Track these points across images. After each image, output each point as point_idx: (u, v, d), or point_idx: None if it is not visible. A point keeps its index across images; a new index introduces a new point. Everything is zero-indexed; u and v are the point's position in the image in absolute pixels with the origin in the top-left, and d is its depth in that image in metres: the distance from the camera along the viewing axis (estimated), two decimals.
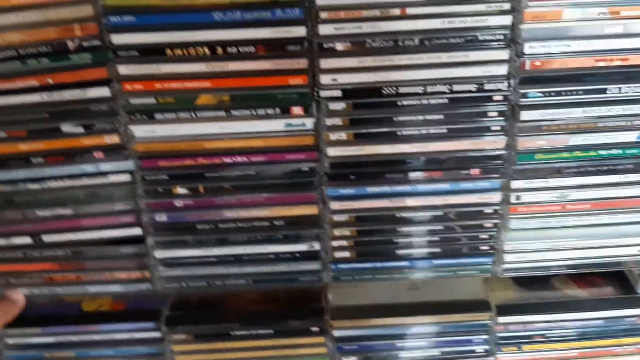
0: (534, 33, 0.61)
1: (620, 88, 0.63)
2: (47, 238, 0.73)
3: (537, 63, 0.63)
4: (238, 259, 0.74)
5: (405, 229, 0.72)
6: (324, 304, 0.80)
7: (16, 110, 0.65)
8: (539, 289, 0.83)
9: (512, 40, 0.62)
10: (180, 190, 0.70)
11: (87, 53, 0.62)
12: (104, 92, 0.64)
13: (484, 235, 0.73)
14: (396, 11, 0.60)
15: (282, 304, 0.82)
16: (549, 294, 0.83)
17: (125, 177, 0.69)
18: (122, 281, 0.76)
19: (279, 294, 0.82)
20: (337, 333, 0.79)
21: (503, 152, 0.67)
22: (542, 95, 0.64)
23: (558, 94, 0.64)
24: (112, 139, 0.66)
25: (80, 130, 0.66)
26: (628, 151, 0.67)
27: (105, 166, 0.68)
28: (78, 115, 0.65)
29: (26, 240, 0.73)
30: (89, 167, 0.68)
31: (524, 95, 0.64)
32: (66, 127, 0.66)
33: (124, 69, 0.63)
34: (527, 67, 0.63)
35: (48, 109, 0.65)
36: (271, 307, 0.82)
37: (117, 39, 0.61)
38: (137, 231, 0.72)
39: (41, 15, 0.61)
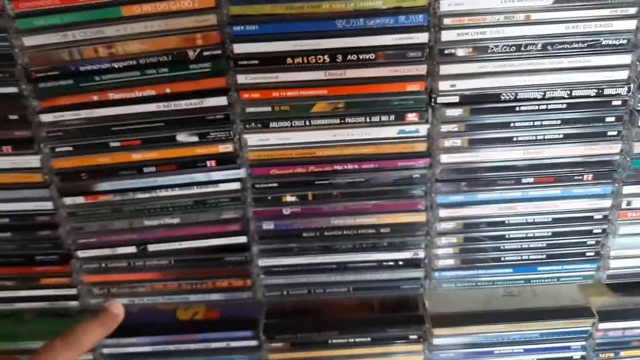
0: None
1: None
2: (152, 247, 0.72)
3: None
4: (341, 267, 0.74)
5: (512, 235, 0.71)
6: (422, 311, 0.79)
7: (132, 120, 0.65)
8: (634, 294, 0.82)
9: (635, 44, 0.61)
10: (289, 198, 0.69)
11: (207, 62, 0.62)
12: (221, 101, 0.64)
13: (591, 241, 0.72)
14: (521, 16, 0.60)
15: (376, 312, 0.81)
16: None
17: (235, 186, 0.69)
18: (224, 289, 0.76)
19: (373, 301, 0.82)
20: (436, 341, 0.78)
21: (617, 157, 0.66)
22: None
23: None
24: (226, 148, 0.66)
25: (195, 139, 0.66)
26: None
27: (216, 175, 0.68)
28: (193, 125, 0.65)
29: (131, 249, 0.73)
30: (200, 176, 0.68)
31: None
32: (181, 137, 0.66)
33: (242, 78, 0.63)
34: None
35: (164, 118, 0.65)
36: (366, 314, 0.81)
37: (239, 48, 0.61)
38: (242, 239, 0.72)
39: (163, 25, 0.61)
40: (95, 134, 0.65)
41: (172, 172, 0.68)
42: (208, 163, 0.67)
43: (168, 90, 0.63)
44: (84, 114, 0.64)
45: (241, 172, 0.68)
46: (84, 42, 0.61)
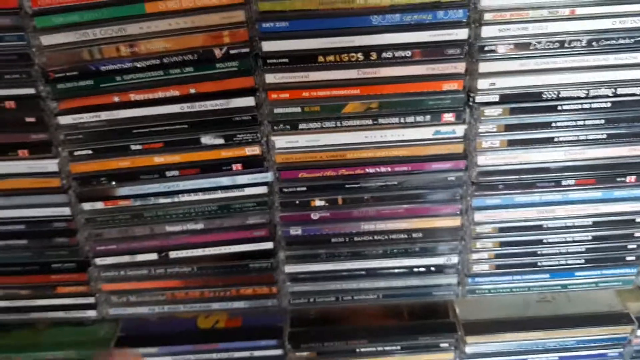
0: None
1: None
2: (174, 254, 0.69)
3: None
4: (370, 273, 0.71)
5: (550, 239, 0.68)
6: (453, 318, 0.76)
7: (154, 122, 0.62)
8: None
9: None
10: (318, 202, 0.66)
11: (234, 61, 0.59)
12: (248, 101, 0.61)
13: (632, 245, 0.69)
14: (565, 11, 0.57)
15: (405, 319, 0.78)
16: None
17: (262, 190, 0.66)
18: (248, 297, 0.73)
19: (401, 308, 0.79)
20: (469, 349, 0.75)
21: None
22: None
23: None
24: (253, 150, 0.64)
25: (220, 141, 0.63)
26: None
27: (242, 178, 0.65)
28: (219, 126, 0.62)
29: (152, 256, 0.70)
30: (225, 180, 0.65)
31: None
32: (206, 139, 0.63)
33: (271, 78, 0.60)
34: None
35: (188, 119, 0.62)
36: (394, 322, 0.78)
37: (268, 46, 0.58)
38: (268, 245, 0.69)
39: (189, 22, 0.58)
40: (115, 137, 0.63)
41: (195, 176, 0.65)
42: (234, 166, 0.64)
43: (193, 91, 0.60)
44: (104, 115, 0.62)
45: (268, 176, 0.65)
46: (105, 40, 0.58)
